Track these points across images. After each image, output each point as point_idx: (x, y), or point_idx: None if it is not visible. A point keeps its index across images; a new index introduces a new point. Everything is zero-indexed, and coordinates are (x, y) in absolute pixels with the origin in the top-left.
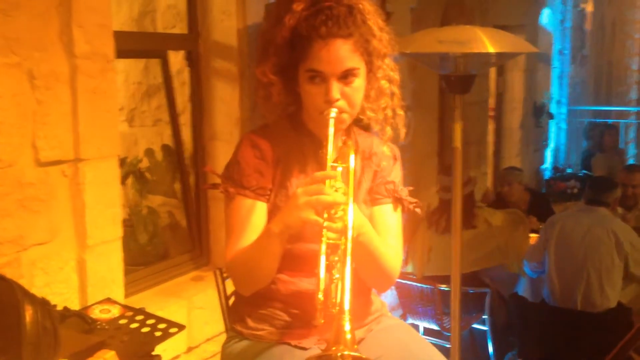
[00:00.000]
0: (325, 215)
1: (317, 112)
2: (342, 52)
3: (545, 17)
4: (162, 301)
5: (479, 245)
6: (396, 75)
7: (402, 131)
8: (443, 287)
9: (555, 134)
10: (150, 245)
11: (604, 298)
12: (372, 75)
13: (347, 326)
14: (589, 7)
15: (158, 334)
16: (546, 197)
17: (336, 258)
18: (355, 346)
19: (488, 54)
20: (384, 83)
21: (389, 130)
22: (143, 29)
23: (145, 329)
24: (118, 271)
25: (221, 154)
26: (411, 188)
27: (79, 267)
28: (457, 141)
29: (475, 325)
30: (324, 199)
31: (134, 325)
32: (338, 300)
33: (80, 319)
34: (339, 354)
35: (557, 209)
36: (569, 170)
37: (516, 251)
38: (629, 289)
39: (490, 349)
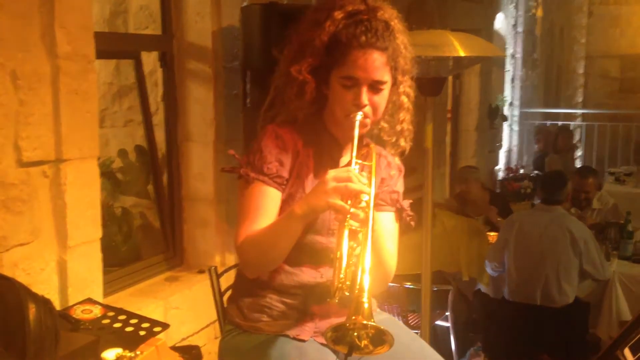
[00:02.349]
0: (350, 203)
1: (344, 115)
2: (377, 63)
3: (499, 21)
4: (139, 302)
5: (434, 246)
6: (412, 92)
7: (409, 145)
8: (408, 284)
9: (508, 135)
10: (125, 245)
11: (562, 294)
12: (394, 89)
13: (365, 300)
14: (539, 13)
15: (142, 333)
16: (505, 196)
17: (354, 245)
18: (372, 319)
19: (459, 57)
20: (404, 98)
21: (402, 142)
22: (114, 30)
23: (129, 329)
24: (98, 272)
25: (195, 155)
26: (411, 201)
27: (60, 268)
28: (429, 142)
29: (437, 322)
30: (352, 186)
31: (117, 325)
32: (357, 282)
33: (64, 319)
34: (354, 329)
35: (513, 208)
36: (521, 171)
37: (469, 260)
38: (584, 285)
39: (453, 345)
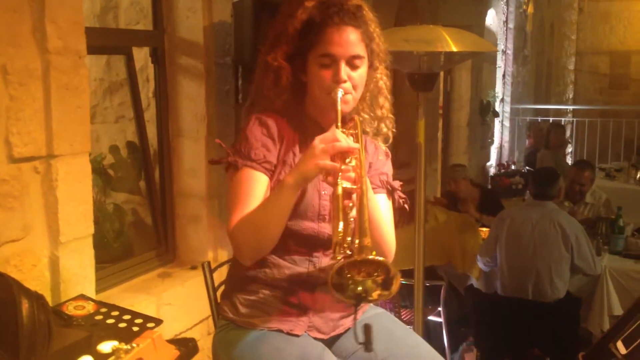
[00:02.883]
0: (339, 164)
1: (325, 93)
2: (352, 38)
3: (490, 18)
4: (131, 298)
5: (426, 240)
6: (389, 82)
7: (391, 132)
8: (401, 280)
9: (499, 131)
10: (117, 242)
11: (553, 289)
12: (372, 73)
13: (367, 241)
14: (530, 9)
15: (135, 329)
16: (495, 192)
17: (350, 204)
18: (377, 255)
19: (451, 53)
20: (381, 83)
21: (383, 127)
22: (105, 25)
23: (122, 325)
24: (90, 268)
25: (187, 151)
26: (401, 183)
27: (52, 264)
28: (421, 137)
29: (430, 318)
30: (340, 145)
31: (110, 321)
32: (357, 234)
33: (57, 315)
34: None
35: (504, 204)
36: (513, 167)
37: (462, 254)
38: (575, 279)
39: (445, 340)
